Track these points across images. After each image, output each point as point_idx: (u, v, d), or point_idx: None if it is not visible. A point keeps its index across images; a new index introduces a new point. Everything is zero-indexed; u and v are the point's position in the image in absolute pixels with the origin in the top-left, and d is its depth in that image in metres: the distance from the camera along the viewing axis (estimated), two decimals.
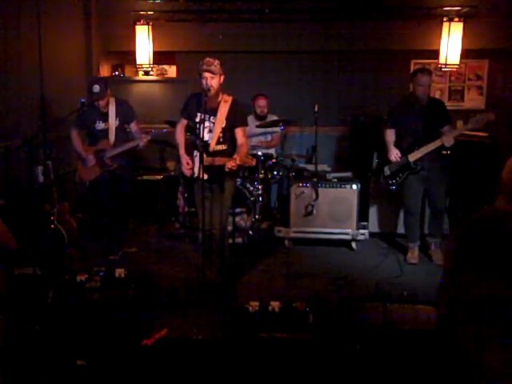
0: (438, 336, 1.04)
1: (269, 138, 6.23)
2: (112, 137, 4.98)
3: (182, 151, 4.32)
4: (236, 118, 4.22)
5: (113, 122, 4.96)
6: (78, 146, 5.05)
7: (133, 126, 5.09)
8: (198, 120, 4.19)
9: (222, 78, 4.13)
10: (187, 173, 4.27)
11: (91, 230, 5.56)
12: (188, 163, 4.25)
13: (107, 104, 4.92)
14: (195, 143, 4.25)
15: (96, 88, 4.78)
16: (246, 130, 4.33)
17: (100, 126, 4.97)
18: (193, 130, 4.37)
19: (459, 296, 0.96)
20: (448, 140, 4.69)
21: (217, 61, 4.07)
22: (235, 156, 4.02)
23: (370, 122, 6.53)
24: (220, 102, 4.19)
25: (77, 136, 5.05)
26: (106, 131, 4.97)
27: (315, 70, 6.85)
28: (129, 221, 5.69)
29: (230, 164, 3.97)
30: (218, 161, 4.11)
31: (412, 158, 4.87)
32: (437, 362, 1.05)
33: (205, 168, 3.99)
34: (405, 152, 4.92)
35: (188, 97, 4.36)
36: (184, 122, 4.38)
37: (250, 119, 5.86)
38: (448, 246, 1.03)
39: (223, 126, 4.18)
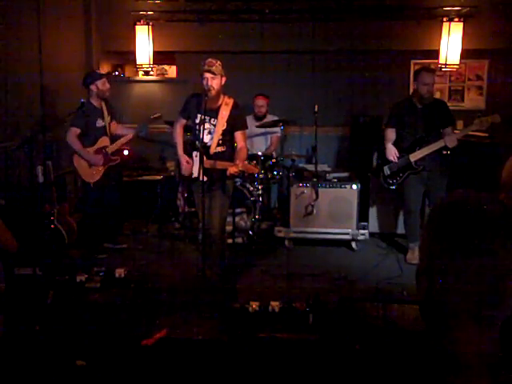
0: (420, 323, 1.05)
1: (268, 140, 6.23)
2: (108, 133, 5.13)
3: (180, 151, 4.30)
4: (236, 122, 4.21)
5: (107, 118, 5.13)
6: (81, 147, 4.95)
7: (116, 124, 5.30)
8: (198, 121, 4.18)
9: (224, 79, 4.11)
10: (186, 172, 4.25)
11: (87, 233, 5.52)
12: (188, 161, 4.23)
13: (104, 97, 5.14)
14: (194, 144, 4.25)
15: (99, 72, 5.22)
16: (245, 134, 4.33)
17: (99, 123, 5.07)
18: (192, 131, 4.36)
19: (435, 280, 0.96)
20: (451, 141, 4.68)
21: (218, 62, 4.05)
22: (237, 162, 4.00)
23: (369, 121, 6.54)
24: (221, 104, 4.17)
25: (77, 137, 4.93)
26: (103, 128, 5.09)
27: (315, 70, 6.85)
28: (122, 220, 5.76)
29: (233, 170, 3.96)
30: (220, 165, 4.09)
31: (413, 157, 4.87)
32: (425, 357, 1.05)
33: (204, 170, 3.99)
34: (406, 151, 4.92)
35: (188, 97, 4.34)
36: (182, 121, 4.37)
37: (249, 119, 5.87)
38: (423, 231, 1.04)
39: (224, 128, 4.17)
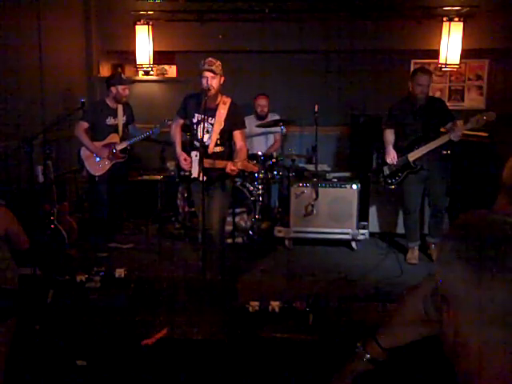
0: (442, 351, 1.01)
1: (270, 140, 6.22)
2: (120, 132, 5.25)
3: (178, 149, 4.29)
4: (235, 121, 4.20)
5: (121, 118, 5.26)
6: (87, 140, 5.11)
7: (133, 126, 5.44)
8: (195, 121, 4.19)
9: (223, 79, 4.12)
10: (185, 168, 4.23)
11: (92, 228, 5.54)
12: (186, 159, 4.21)
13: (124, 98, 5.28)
14: (193, 144, 4.24)
15: (125, 78, 5.36)
16: (244, 133, 4.33)
17: (110, 121, 5.20)
18: (190, 130, 4.36)
19: (462, 306, 0.92)
20: (456, 135, 4.66)
21: (218, 62, 4.06)
22: (236, 160, 4.00)
23: (369, 121, 6.53)
24: (219, 103, 4.17)
25: (85, 131, 5.11)
26: (114, 126, 5.22)
27: (315, 69, 6.85)
28: (123, 218, 5.80)
29: (231, 168, 3.96)
30: (219, 163, 4.09)
31: (412, 157, 4.87)
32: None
33: (204, 170, 3.98)
34: (404, 151, 4.92)
35: (185, 97, 4.35)
36: (180, 121, 4.37)
37: (251, 119, 5.87)
38: (440, 254, 0.99)
39: (221, 127, 4.17)
